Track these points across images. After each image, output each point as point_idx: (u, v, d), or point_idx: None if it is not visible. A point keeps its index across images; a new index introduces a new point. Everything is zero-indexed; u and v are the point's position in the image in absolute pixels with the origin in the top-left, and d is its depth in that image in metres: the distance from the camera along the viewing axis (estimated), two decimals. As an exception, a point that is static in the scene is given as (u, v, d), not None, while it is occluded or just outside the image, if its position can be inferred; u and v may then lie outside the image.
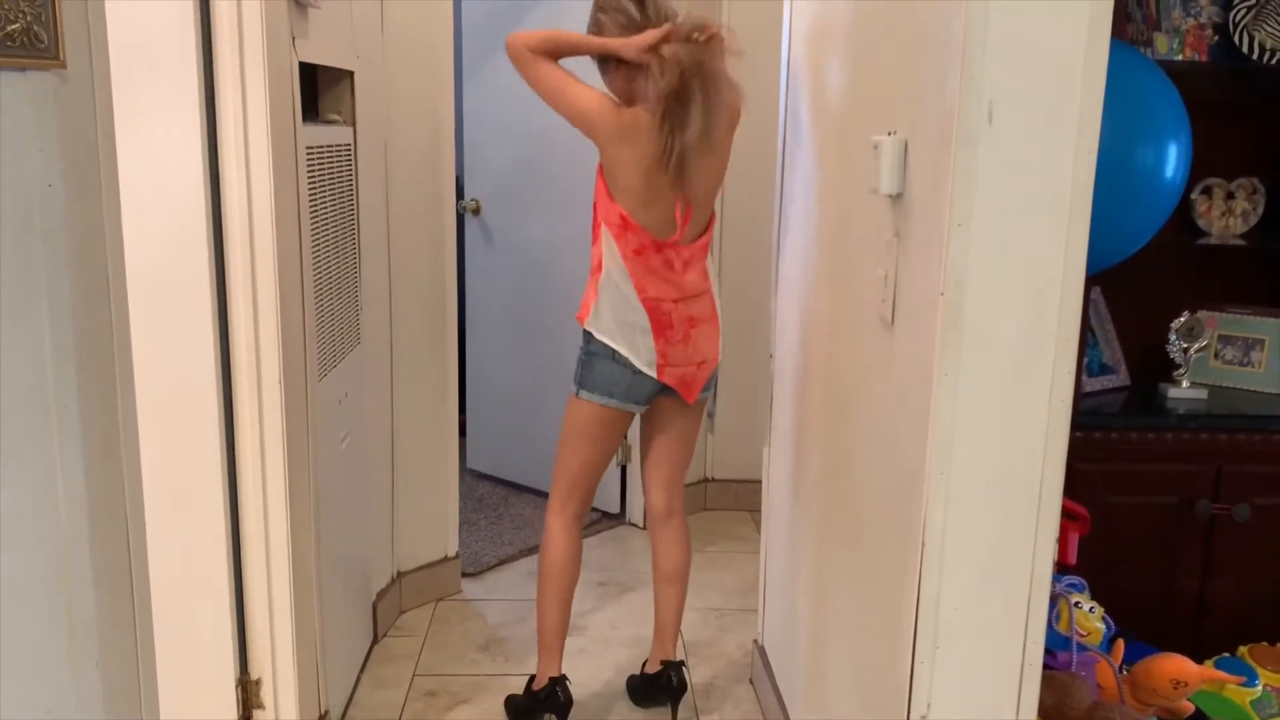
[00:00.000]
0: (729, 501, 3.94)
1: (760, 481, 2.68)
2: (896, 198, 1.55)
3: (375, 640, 2.88)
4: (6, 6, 1.05)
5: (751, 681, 2.73)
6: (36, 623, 1.18)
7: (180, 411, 1.84)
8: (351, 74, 2.45)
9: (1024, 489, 1.39)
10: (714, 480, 3.96)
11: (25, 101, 1.09)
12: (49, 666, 1.20)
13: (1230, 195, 2.48)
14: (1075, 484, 1.80)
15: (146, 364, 1.76)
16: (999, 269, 1.32)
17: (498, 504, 3.92)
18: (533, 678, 2.47)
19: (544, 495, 3.94)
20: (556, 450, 2.40)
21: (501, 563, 3.42)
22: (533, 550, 3.51)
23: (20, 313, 1.11)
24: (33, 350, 1.13)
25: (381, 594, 2.92)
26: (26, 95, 1.09)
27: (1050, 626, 1.73)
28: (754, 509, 3.59)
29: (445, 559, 3.17)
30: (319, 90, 2.41)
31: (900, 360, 1.53)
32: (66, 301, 1.16)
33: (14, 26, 1.05)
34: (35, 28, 1.07)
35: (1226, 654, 2.12)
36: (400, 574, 3.04)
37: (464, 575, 3.27)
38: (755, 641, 2.72)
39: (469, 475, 4.11)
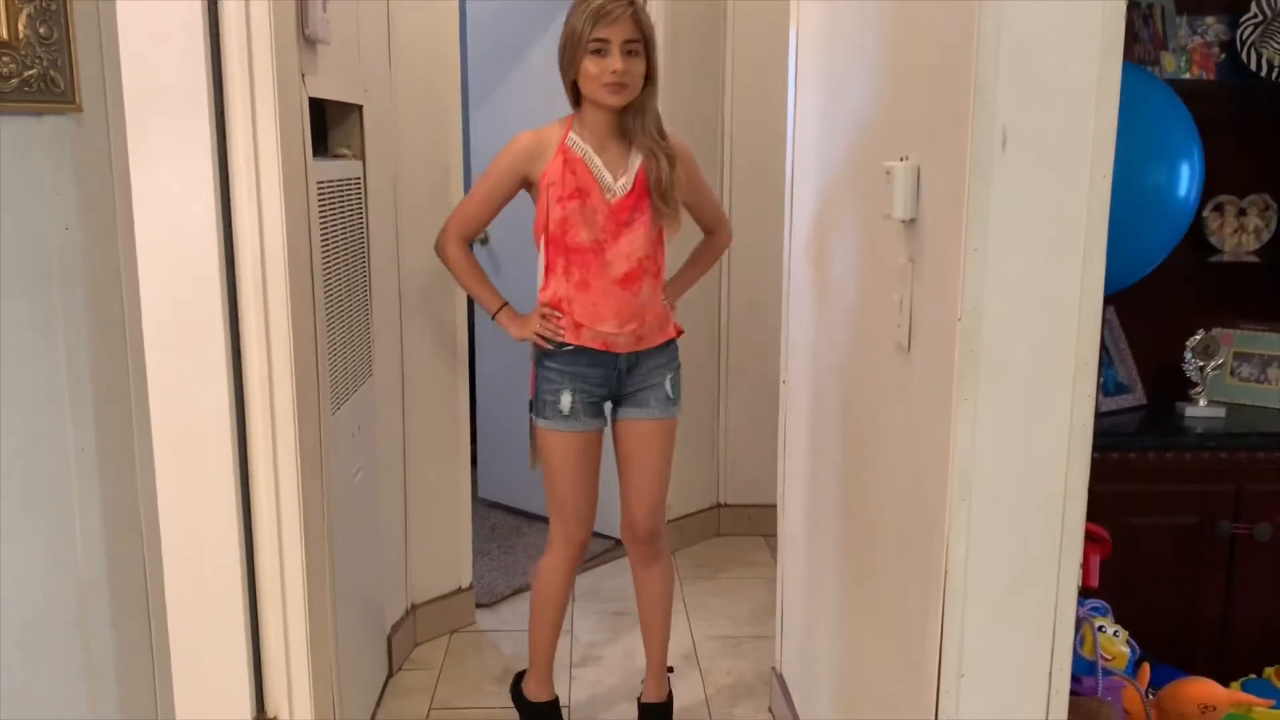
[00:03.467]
0: (742, 527, 3.93)
1: (773, 506, 2.66)
2: (910, 223, 1.54)
3: (390, 674, 2.86)
4: (23, 52, 1.05)
5: (770, 710, 2.70)
6: (56, 666, 1.18)
7: (194, 450, 1.84)
8: (360, 108, 2.46)
9: (1047, 515, 1.37)
10: (726, 506, 3.95)
11: (42, 145, 1.09)
12: (68, 710, 1.19)
13: (1242, 212, 2.47)
14: (1094, 505, 1.77)
15: (160, 402, 1.75)
16: (1015, 294, 1.32)
17: (510, 534, 3.91)
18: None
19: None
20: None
21: (515, 593, 3.40)
22: (547, 580, 3.49)
23: (37, 356, 1.11)
24: (50, 393, 1.13)
25: (396, 627, 2.91)
26: (43, 139, 1.09)
27: (1075, 652, 1.71)
28: (767, 534, 3.58)
29: (459, 590, 3.15)
30: (328, 125, 2.43)
31: (918, 386, 1.52)
32: (84, 344, 1.15)
33: (31, 72, 1.06)
34: (52, 73, 1.08)
35: (1253, 675, 2.10)
36: (414, 606, 3.03)
37: (478, 606, 3.25)
38: (773, 669, 2.70)
39: (481, 505, 4.09)
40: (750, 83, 3.64)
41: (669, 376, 2.37)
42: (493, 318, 2.41)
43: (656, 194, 2.24)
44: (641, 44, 2.16)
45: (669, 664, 2.62)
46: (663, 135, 2.26)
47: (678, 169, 2.25)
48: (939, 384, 1.40)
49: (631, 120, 2.23)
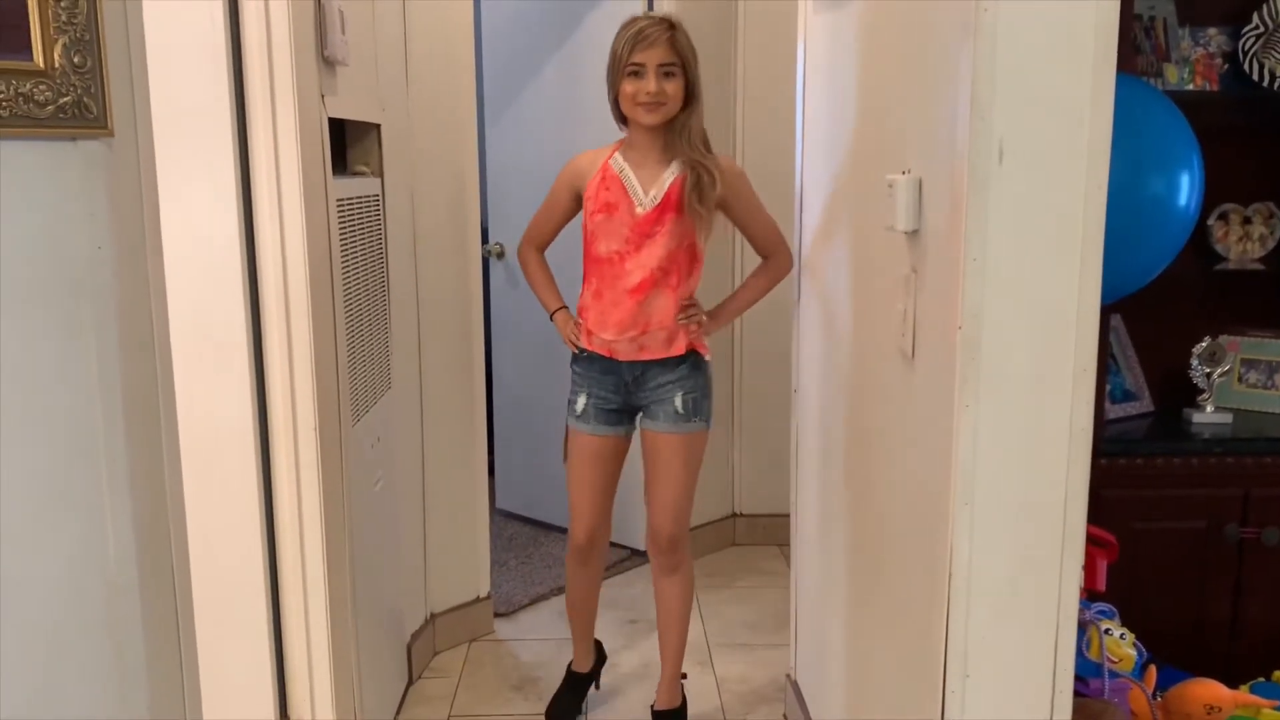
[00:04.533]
0: (757, 536, 3.95)
1: (787, 515, 2.69)
2: (913, 234, 1.58)
3: (410, 682, 2.90)
4: (59, 80, 1.11)
5: (785, 716, 2.73)
6: (88, 667, 1.22)
7: (219, 459, 1.89)
8: (378, 127, 2.52)
9: (1048, 518, 1.40)
10: (742, 515, 3.97)
11: (76, 169, 1.15)
12: (100, 709, 1.24)
13: (1247, 220, 2.50)
14: (1103, 511, 1.81)
15: (185, 414, 1.80)
16: (1015, 302, 1.35)
17: (527, 544, 3.95)
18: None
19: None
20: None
21: (533, 602, 3.44)
22: (564, 589, 3.52)
23: (71, 369, 1.16)
24: (83, 405, 1.18)
25: (415, 635, 2.95)
26: (77, 163, 1.15)
27: (1081, 654, 1.74)
28: (782, 543, 3.60)
29: (477, 599, 3.19)
30: (347, 143, 2.48)
31: (922, 393, 1.56)
32: (114, 360, 1.20)
33: (65, 99, 1.11)
34: (85, 99, 1.13)
35: (1261, 679, 2.11)
36: (433, 615, 3.07)
37: (496, 615, 3.29)
38: (788, 675, 2.73)
39: (498, 515, 4.13)
40: (761, 94, 3.68)
41: (680, 394, 2.40)
42: (550, 318, 2.57)
43: (693, 195, 2.29)
44: (679, 66, 2.26)
45: (683, 671, 2.65)
46: (708, 149, 2.34)
47: (719, 183, 2.31)
48: (942, 390, 1.44)
49: (675, 137, 2.31)
